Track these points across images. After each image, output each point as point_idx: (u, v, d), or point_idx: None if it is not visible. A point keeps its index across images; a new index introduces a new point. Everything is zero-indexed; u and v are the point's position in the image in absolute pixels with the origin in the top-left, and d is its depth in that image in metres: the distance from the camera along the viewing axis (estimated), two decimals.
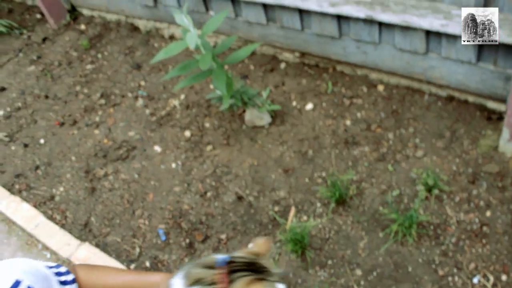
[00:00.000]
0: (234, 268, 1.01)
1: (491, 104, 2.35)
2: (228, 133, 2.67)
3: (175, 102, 2.95)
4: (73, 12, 3.95)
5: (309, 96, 2.71)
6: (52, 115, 3.14)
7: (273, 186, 2.37)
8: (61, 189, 2.69)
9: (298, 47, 2.84)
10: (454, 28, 2.09)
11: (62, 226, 2.50)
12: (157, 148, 2.73)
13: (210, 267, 1.01)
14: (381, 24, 2.39)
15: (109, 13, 3.73)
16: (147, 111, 2.95)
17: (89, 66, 3.43)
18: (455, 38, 2.18)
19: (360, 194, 2.23)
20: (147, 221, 2.41)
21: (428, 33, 2.26)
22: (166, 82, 3.09)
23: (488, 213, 2.04)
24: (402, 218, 2.04)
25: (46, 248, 2.47)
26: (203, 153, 2.61)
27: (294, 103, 2.70)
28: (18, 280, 0.98)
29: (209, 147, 2.63)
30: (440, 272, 1.93)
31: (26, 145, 2.99)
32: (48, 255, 2.44)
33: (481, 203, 2.07)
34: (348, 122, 2.52)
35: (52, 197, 2.66)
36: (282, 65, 2.93)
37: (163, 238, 2.32)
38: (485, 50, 2.17)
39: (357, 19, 2.43)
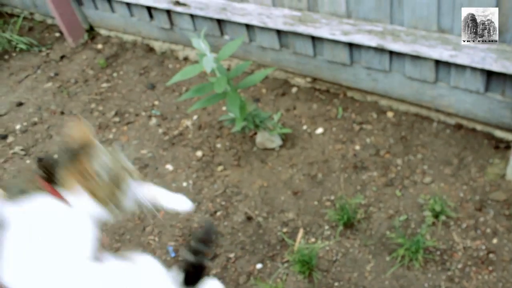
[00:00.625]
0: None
1: (499, 133, 2.39)
2: (239, 154, 2.72)
3: (187, 122, 3.02)
4: (91, 31, 4.06)
5: (320, 121, 2.76)
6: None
7: (282, 208, 2.41)
8: None
9: (310, 73, 2.91)
10: (463, 59, 2.14)
11: None
12: (169, 167, 2.78)
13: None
14: (391, 53, 2.45)
15: (125, 34, 3.84)
16: (160, 130, 3.02)
17: (104, 85, 3.52)
18: (463, 68, 2.23)
19: (368, 218, 2.26)
20: (157, 237, 2.45)
21: (438, 63, 2.32)
22: (179, 103, 3.16)
23: (494, 241, 2.06)
24: (409, 243, 2.07)
25: None
26: (214, 173, 2.66)
27: (304, 127, 2.76)
28: None
29: (220, 168, 2.68)
30: None
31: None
32: None
33: (488, 230, 2.10)
34: (357, 147, 2.57)
35: None
36: (294, 90, 3.00)
37: (173, 254, 2.35)
38: (493, 80, 2.22)
39: (368, 48, 2.49)
